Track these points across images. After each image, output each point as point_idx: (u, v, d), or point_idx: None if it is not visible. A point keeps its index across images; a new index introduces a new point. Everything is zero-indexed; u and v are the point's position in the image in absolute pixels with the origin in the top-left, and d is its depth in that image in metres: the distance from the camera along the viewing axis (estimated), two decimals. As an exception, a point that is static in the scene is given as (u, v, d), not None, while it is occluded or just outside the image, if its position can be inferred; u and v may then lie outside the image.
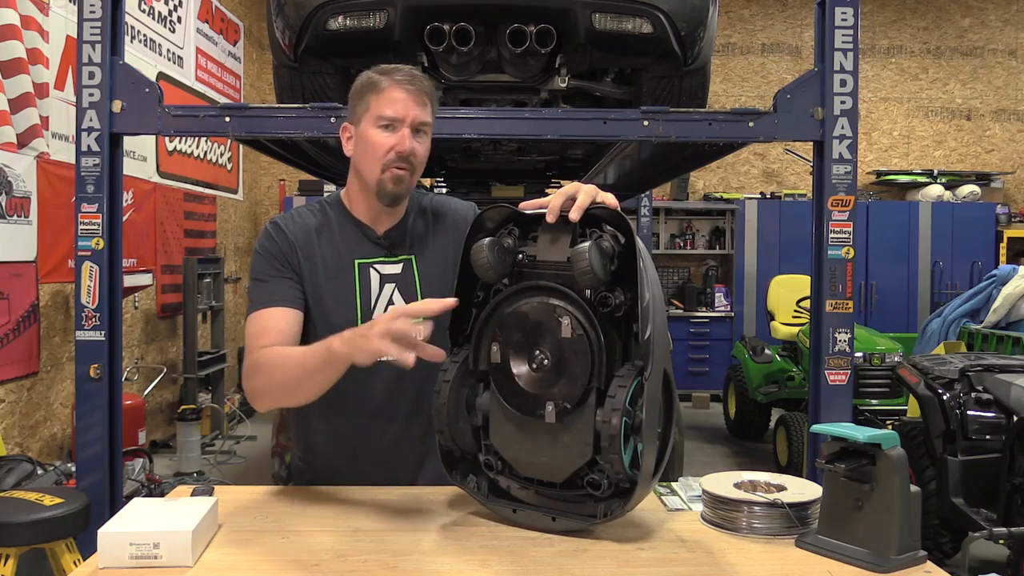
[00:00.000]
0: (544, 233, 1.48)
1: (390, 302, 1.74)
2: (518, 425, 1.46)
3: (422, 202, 1.85)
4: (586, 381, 1.39)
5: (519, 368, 1.45)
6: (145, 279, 5.99)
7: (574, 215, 1.40)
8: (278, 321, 1.67)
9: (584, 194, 1.42)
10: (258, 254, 1.75)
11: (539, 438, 1.44)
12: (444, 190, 6.09)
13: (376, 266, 1.76)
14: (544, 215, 1.44)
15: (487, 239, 1.47)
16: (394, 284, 1.76)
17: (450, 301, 1.42)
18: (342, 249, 1.76)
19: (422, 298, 1.74)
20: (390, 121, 1.68)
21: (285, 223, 1.77)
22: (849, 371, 2.85)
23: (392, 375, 1.71)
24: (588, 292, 1.42)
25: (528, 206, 1.49)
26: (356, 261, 1.75)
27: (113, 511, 2.24)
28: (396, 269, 1.77)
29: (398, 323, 1.35)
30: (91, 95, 2.79)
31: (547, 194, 1.46)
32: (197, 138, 7.12)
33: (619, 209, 1.43)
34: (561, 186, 5.88)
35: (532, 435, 1.45)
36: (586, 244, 1.37)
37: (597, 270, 1.36)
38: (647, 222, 8.23)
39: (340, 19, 2.81)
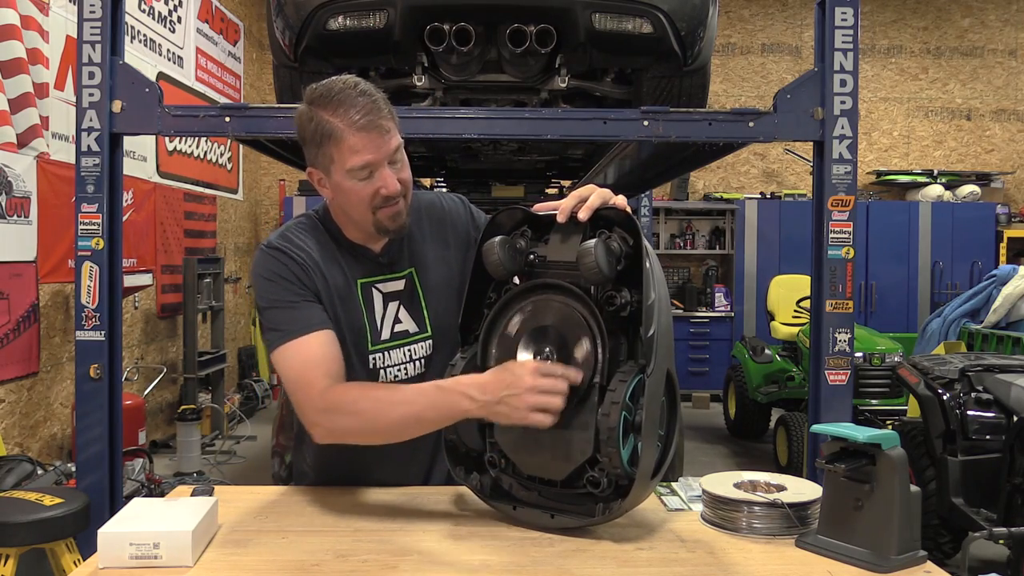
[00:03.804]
0: (555, 234, 1.51)
1: (396, 320, 1.71)
2: None
3: (413, 204, 1.79)
4: (589, 377, 1.40)
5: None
6: (145, 279, 6.00)
7: (582, 214, 1.43)
8: (326, 346, 1.58)
9: (596, 195, 1.44)
10: (270, 281, 1.62)
11: (542, 435, 1.45)
12: (444, 190, 6.09)
13: (378, 285, 1.71)
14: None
15: (499, 237, 1.50)
16: (398, 301, 1.72)
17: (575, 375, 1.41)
18: (346, 270, 1.70)
19: (427, 310, 1.73)
20: (363, 168, 1.57)
21: (285, 247, 1.65)
22: (849, 371, 2.85)
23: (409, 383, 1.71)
24: (593, 289, 1.43)
25: (541, 208, 1.51)
26: (359, 281, 1.70)
27: (113, 511, 2.24)
28: (399, 286, 1.73)
29: (543, 381, 1.37)
30: (91, 95, 2.79)
31: (547, 195, 1.48)
32: (197, 138, 7.12)
33: (629, 211, 1.45)
34: (561, 186, 5.93)
35: (535, 432, 1.46)
36: (592, 241, 1.39)
37: (602, 265, 1.37)
38: (647, 222, 8.23)
39: (340, 19, 2.81)
